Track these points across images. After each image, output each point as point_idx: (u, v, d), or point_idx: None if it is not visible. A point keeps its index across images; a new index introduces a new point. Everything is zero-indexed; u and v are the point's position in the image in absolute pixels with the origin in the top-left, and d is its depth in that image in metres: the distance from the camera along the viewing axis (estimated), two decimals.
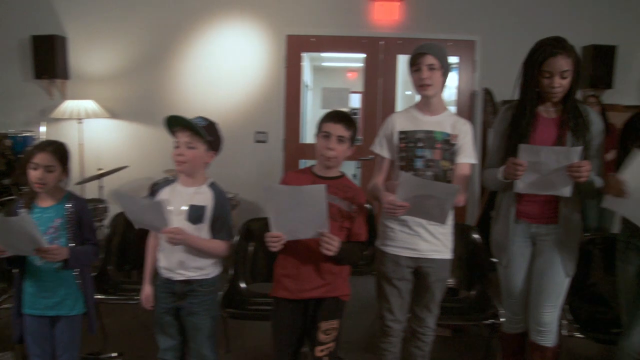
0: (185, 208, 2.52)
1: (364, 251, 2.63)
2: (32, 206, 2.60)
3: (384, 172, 2.78)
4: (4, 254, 2.47)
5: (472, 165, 2.72)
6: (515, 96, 2.67)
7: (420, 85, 2.64)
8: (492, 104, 5.35)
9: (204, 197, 2.56)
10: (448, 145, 2.67)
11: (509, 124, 2.66)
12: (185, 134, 2.50)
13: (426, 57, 2.60)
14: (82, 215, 2.66)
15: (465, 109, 5.82)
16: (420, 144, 2.66)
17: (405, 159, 2.67)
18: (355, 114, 8.66)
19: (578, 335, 3.17)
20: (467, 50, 5.78)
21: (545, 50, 2.49)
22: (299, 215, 2.33)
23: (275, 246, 2.37)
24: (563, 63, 2.47)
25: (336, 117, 2.54)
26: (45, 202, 2.61)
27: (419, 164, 2.65)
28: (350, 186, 2.61)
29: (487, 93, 5.45)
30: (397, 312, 2.78)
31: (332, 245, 2.36)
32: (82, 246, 2.63)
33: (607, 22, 5.72)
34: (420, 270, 2.72)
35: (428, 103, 2.71)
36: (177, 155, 2.51)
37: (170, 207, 2.50)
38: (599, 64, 5.56)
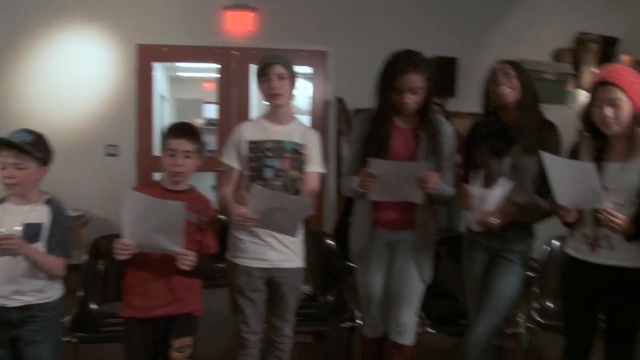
0: (19, 228, 2.32)
1: (213, 263, 2.60)
2: None
3: (233, 183, 2.75)
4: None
5: (321, 174, 2.76)
6: (373, 105, 2.73)
7: (270, 95, 2.65)
8: (345, 113, 5.50)
9: (40, 214, 2.39)
10: (297, 154, 2.69)
11: (366, 133, 2.70)
12: (11, 154, 2.30)
13: (275, 66, 2.62)
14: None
15: (319, 118, 5.93)
16: (269, 154, 2.65)
17: (254, 169, 2.66)
18: (212, 124, 8.55)
19: (430, 330, 3.33)
20: (320, 61, 5.91)
21: (397, 67, 2.54)
22: (154, 228, 2.28)
23: (122, 255, 2.29)
24: (414, 80, 2.52)
25: (179, 132, 2.51)
26: None
27: (268, 173, 2.64)
28: (200, 199, 2.59)
29: (340, 102, 5.59)
30: (253, 323, 2.75)
31: (189, 260, 2.33)
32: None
33: (449, 35, 6.08)
34: (272, 280, 2.71)
35: (277, 112, 2.72)
36: (6, 178, 2.31)
37: (1, 229, 2.29)
38: (442, 74, 5.91)
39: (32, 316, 2.36)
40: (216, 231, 2.60)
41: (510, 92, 2.57)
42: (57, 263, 2.40)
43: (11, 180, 2.31)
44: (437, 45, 5.97)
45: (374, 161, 2.49)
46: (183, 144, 2.47)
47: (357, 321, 3.22)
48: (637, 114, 2.35)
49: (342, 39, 5.90)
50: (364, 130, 2.72)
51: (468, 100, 5.88)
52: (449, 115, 5.47)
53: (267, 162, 2.65)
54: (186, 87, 8.85)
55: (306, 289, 3.60)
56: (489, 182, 2.61)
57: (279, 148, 2.67)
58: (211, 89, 9.16)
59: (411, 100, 2.56)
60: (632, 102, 2.32)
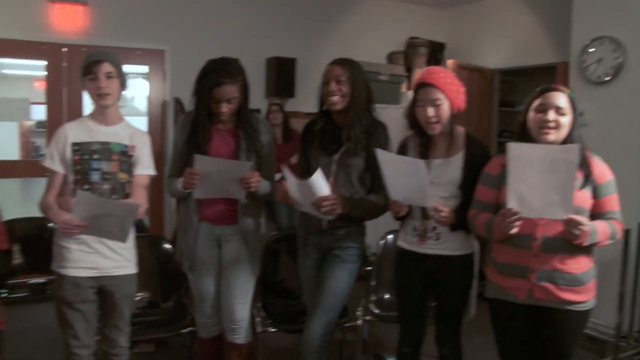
0: None
1: (11, 259, 2.45)
2: None
3: (56, 188, 2.58)
4: None
5: (151, 176, 2.69)
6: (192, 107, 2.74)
7: (97, 95, 2.52)
8: (182, 113, 5.37)
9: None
10: (126, 156, 2.59)
11: (187, 135, 2.72)
12: None
13: (103, 64, 2.49)
14: None
15: (157, 119, 5.76)
16: (95, 156, 2.53)
17: (79, 172, 2.52)
18: (44, 126, 7.98)
19: (272, 329, 3.35)
20: (156, 60, 5.73)
21: (212, 79, 2.58)
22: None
23: None
24: (229, 91, 2.59)
25: None
26: None
27: (95, 177, 2.52)
28: None
29: (178, 102, 5.47)
30: (84, 337, 2.60)
31: None
32: None
33: (288, 37, 6.22)
34: (104, 289, 2.59)
35: (104, 113, 2.59)
36: None
37: None
38: (281, 75, 5.99)
39: None
40: (2, 226, 2.47)
41: (340, 100, 2.65)
42: None
43: None
44: (275, 46, 6.07)
45: (199, 157, 2.51)
46: None
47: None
48: (456, 113, 2.55)
49: (180, 37, 5.78)
50: (185, 133, 2.74)
51: (307, 100, 6.04)
52: (288, 116, 5.59)
53: (94, 164, 2.53)
54: (13, 86, 8.21)
55: (145, 295, 3.49)
56: None
57: (106, 150, 2.55)
58: (42, 88, 8.61)
59: (227, 109, 2.63)
60: (450, 103, 2.51)
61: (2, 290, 2.53)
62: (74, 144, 2.54)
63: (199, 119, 2.69)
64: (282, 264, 3.61)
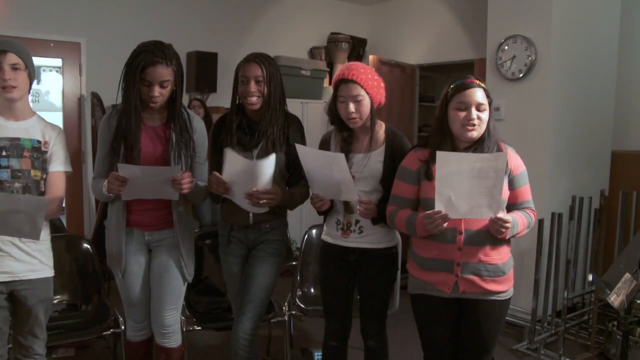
0: None
1: None
2: None
3: None
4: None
5: (66, 173, 2.57)
6: (119, 101, 2.58)
7: (3, 87, 2.36)
8: (100, 109, 5.19)
9: None
10: (39, 153, 2.46)
11: (114, 132, 2.56)
12: None
13: (8, 55, 2.34)
14: None
15: (74, 114, 5.54)
16: (4, 153, 2.39)
17: None
18: None
19: (198, 328, 3.30)
20: (71, 53, 5.50)
21: (145, 58, 2.43)
22: None
23: None
24: (163, 73, 2.45)
25: None
26: None
27: (4, 175, 2.37)
28: None
29: (95, 97, 5.27)
30: None
31: None
32: None
33: (209, 30, 6.13)
34: (16, 294, 2.44)
35: (12, 107, 2.44)
36: None
37: None
38: (202, 69, 5.89)
39: None
40: None
41: (259, 100, 2.62)
42: None
43: None
44: (197, 40, 5.96)
45: (123, 166, 2.38)
46: None
47: (122, 327, 3.08)
48: (375, 108, 2.58)
49: (96, 30, 5.56)
50: (111, 129, 2.58)
51: (229, 95, 5.96)
52: (210, 111, 5.51)
53: (3, 162, 2.38)
54: None
55: (64, 298, 3.36)
56: None
57: (16, 146, 2.41)
58: None
59: (159, 93, 2.49)
60: (371, 98, 2.54)
61: None
62: None
63: (128, 110, 2.52)
64: (206, 261, 3.56)
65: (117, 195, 2.48)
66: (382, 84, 2.61)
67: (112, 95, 5.07)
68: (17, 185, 2.39)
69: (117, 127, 2.55)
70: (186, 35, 5.86)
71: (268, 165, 2.48)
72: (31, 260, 2.45)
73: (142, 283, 2.72)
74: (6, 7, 5.19)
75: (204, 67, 5.88)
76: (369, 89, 2.52)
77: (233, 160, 2.51)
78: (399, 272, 2.89)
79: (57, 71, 6.37)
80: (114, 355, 3.44)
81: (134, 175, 2.39)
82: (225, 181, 2.52)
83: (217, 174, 2.53)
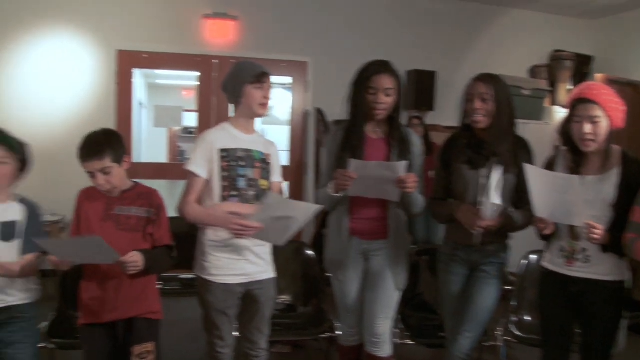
0: None
1: (171, 255, 2.57)
2: None
3: (197, 192, 2.63)
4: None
5: (281, 184, 2.79)
6: (345, 116, 2.76)
7: (262, 104, 2.62)
8: (323, 124, 5.53)
9: (14, 212, 2.38)
10: (265, 164, 2.68)
11: (340, 144, 2.72)
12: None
13: (269, 77, 2.63)
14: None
15: (299, 129, 5.95)
16: (241, 163, 2.62)
17: (227, 179, 2.60)
18: (190, 132, 8.50)
19: (409, 342, 3.35)
20: (299, 71, 5.94)
21: (370, 69, 2.62)
22: (87, 256, 2.33)
23: (65, 267, 2.38)
24: (387, 81, 2.60)
25: (85, 153, 2.39)
26: None
27: (241, 183, 2.60)
28: (143, 192, 2.56)
29: (319, 113, 5.62)
30: (228, 338, 2.72)
31: (135, 263, 2.32)
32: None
33: (428, 49, 6.19)
34: (250, 293, 2.68)
35: (249, 122, 2.70)
36: None
37: None
38: (421, 88, 5.98)
39: (12, 318, 2.34)
40: (166, 220, 2.57)
41: (484, 118, 2.61)
42: (34, 261, 2.39)
43: None
44: (416, 59, 6.05)
45: (353, 161, 2.53)
46: (95, 165, 2.36)
47: (337, 332, 3.23)
48: (614, 130, 2.43)
49: (322, 49, 5.95)
50: (337, 142, 2.74)
51: (446, 113, 5.96)
52: (428, 129, 5.56)
53: (240, 171, 2.61)
54: (164, 95, 8.84)
55: (286, 298, 3.61)
56: (467, 194, 2.67)
57: (250, 157, 2.64)
58: (189, 96, 9.19)
59: (384, 101, 2.62)
60: (610, 121, 2.40)
61: (159, 283, 2.70)
62: (222, 150, 2.61)
63: (355, 121, 2.70)
64: (422, 277, 3.60)
65: (343, 190, 2.58)
66: (623, 107, 2.45)
67: (334, 111, 5.43)
68: (251, 193, 2.61)
69: (343, 140, 2.72)
70: (406, 54, 5.98)
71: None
72: (261, 263, 2.68)
73: (357, 290, 2.84)
74: (246, 32, 5.80)
75: (422, 85, 5.97)
76: (608, 111, 2.38)
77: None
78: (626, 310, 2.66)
79: (283, 88, 6.91)
80: (326, 358, 3.60)
81: (362, 171, 2.51)
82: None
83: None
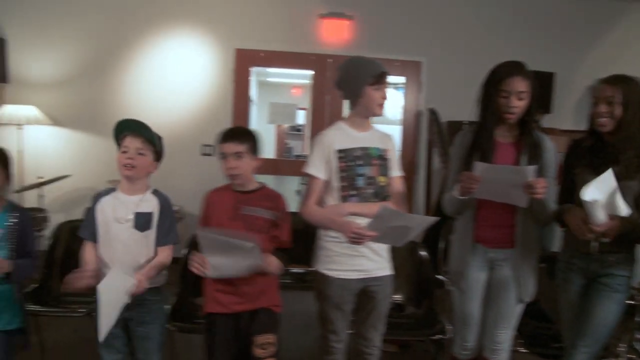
0: (131, 217, 2.48)
1: (287, 258, 2.64)
2: None
3: (318, 194, 2.67)
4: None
5: (403, 177, 2.77)
6: (473, 116, 2.69)
7: (379, 105, 2.62)
8: (437, 124, 5.47)
9: (150, 204, 2.53)
10: (382, 160, 2.67)
11: (468, 148, 2.65)
12: (138, 140, 2.46)
13: (387, 77, 2.63)
14: (26, 227, 2.55)
15: (411, 129, 5.92)
16: (359, 162, 2.62)
17: (346, 179, 2.61)
18: (299, 130, 8.67)
19: (522, 350, 3.25)
20: (413, 71, 5.90)
21: (503, 71, 2.53)
22: (232, 261, 2.39)
23: (197, 271, 2.40)
24: (520, 84, 2.51)
25: (226, 136, 2.57)
26: None
27: (360, 182, 2.61)
28: (270, 194, 2.64)
29: (433, 113, 5.56)
30: (342, 332, 2.75)
31: (274, 266, 2.46)
32: (24, 259, 2.51)
33: (546, 49, 5.97)
34: (367, 290, 2.69)
35: (364, 121, 2.70)
36: (127, 159, 2.45)
37: (117, 216, 2.48)
38: (538, 89, 5.76)
39: (143, 299, 2.48)
40: (290, 225, 2.65)
41: (608, 122, 2.49)
42: (168, 253, 2.55)
43: (131, 162, 2.45)
44: (533, 59, 5.75)
45: (478, 164, 2.45)
46: (231, 147, 2.52)
47: (449, 335, 3.19)
48: None
49: (437, 49, 5.90)
50: (465, 145, 2.68)
51: (564, 116, 5.77)
52: (544, 132, 5.35)
53: (359, 170, 2.62)
54: (274, 92, 9.05)
55: (397, 298, 3.60)
56: None
57: (366, 155, 2.64)
58: (297, 94, 9.37)
59: (516, 105, 2.53)
60: None
61: None
62: (339, 151, 2.63)
63: (483, 125, 2.62)
64: (540, 284, 3.47)
65: (469, 193, 2.50)
66: None
67: (449, 112, 5.40)
68: (369, 191, 2.61)
69: (472, 143, 2.64)
70: (523, 54, 5.73)
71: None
72: (379, 260, 2.69)
73: (479, 302, 2.75)
74: (360, 31, 5.86)
75: (540, 87, 5.74)
76: None
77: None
78: None
79: (394, 88, 6.88)
80: None
81: (489, 175, 2.44)
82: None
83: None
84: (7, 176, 2.52)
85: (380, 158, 2.68)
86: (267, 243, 2.49)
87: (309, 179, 2.68)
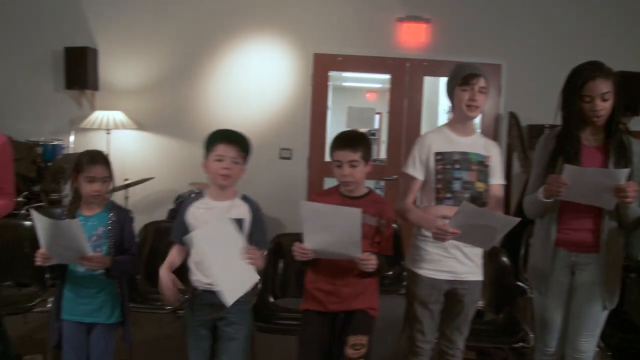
0: None
1: (390, 264, 2.67)
2: (76, 214, 2.62)
3: (414, 193, 2.75)
4: (49, 262, 2.47)
5: (504, 186, 2.75)
6: (555, 121, 2.65)
7: (468, 107, 2.63)
8: (517, 128, 5.36)
9: (241, 210, 2.56)
10: (482, 166, 2.68)
11: (552, 152, 2.61)
12: (233, 149, 2.51)
13: (480, 79, 2.63)
14: (125, 225, 2.68)
15: (490, 132, 5.83)
16: (457, 166, 2.65)
17: (442, 181, 2.66)
18: (373, 134, 8.67)
19: None
20: (492, 74, 5.80)
21: (582, 75, 2.47)
22: (333, 236, 2.38)
23: (301, 258, 2.45)
24: (603, 86, 2.45)
25: (342, 144, 2.58)
26: (88, 211, 2.63)
27: (456, 186, 2.64)
28: (377, 201, 2.66)
29: (513, 117, 5.46)
30: (429, 333, 2.77)
31: (371, 263, 2.42)
32: (123, 256, 2.65)
33: (633, 48, 5.75)
34: (454, 292, 2.71)
35: (465, 124, 2.72)
36: (224, 169, 2.49)
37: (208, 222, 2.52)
38: (625, 91, 5.54)
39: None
40: (393, 232, 2.67)
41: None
42: (260, 257, 2.57)
43: (228, 172, 2.50)
44: (619, 60, 5.59)
45: (568, 167, 2.40)
46: (347, 155, 2.54)
47: (531, 343, 3.13)
48: None
49: (517, 52, 5.79)
50: (549, 149, 2.64)
51: None
52: (632, 135, 5.15)
53: (456, 174, 2.64)
54: (349, 97, 9.11)
55: (480, 304, 3.57)
56: None
57: (465, 160, 2.66)
58: (372, 99, 9.38)
59: (602, 107, 2.48)
60: None
61: None
62: (437, 154, 2.69)
63: (568, 129, 2.57)
64: (630, 295, 3.36)
65: (555, 196, 2.46)
66: None
67: (529, 115, 5.30)
68: (466, 195, 2.63)
69: (556, 147, 2.61)
70: (608, 54, 5.51)
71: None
72: (470, 264, 2.70)
73: (561, 306, 2.70)
74: (438, 35, 5.83)
75: (627, 88, 5.52)
76: None
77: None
78: None
79: None
80: None
81: (578, 177, 2.39)
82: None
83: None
84: (109, 177, 2.66)
85: (480, 164, 2.69)
86: (367, 248, 2.49)
87: (406, 178, 2.77)
